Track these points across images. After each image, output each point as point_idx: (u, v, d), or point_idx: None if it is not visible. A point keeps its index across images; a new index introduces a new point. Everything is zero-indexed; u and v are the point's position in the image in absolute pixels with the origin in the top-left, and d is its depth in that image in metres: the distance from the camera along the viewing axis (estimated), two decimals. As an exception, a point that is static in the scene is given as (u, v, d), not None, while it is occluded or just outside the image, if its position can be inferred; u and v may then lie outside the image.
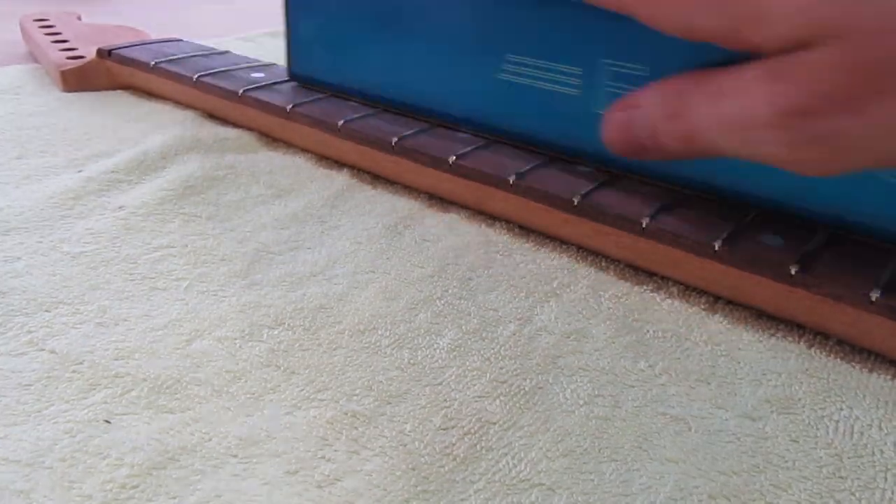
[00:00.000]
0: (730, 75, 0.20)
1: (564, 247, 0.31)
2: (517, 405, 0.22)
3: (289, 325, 0.25)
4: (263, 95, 0.40)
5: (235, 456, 0.19)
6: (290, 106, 0.38)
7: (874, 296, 0.23)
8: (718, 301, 0.27)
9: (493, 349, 0.24)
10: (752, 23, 0.19)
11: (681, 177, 0.30)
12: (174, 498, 0.18)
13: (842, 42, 0.18)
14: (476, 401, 0.22)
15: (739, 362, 0.24)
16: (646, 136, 0.22)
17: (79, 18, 0.60)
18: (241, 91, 0.40)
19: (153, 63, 0.45)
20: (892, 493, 0.19)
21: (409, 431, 0.21)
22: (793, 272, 0.24)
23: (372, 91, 0.39)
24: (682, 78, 0.22)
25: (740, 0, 0.19)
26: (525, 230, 0.32)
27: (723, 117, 0.20)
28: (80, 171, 0.35)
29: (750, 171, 0.27)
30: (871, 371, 0.24)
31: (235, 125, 0.42)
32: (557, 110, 0.32)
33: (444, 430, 0.21)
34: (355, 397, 0.22)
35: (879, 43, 0.17)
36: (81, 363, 0.22)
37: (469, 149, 0.33)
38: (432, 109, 0.37)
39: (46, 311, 0.25)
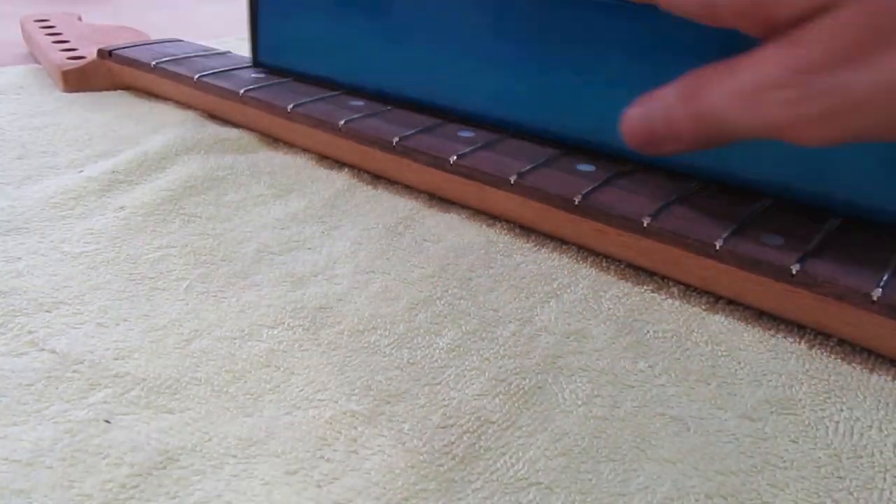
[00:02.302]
0: (748, 55, 0.21)
1: (565, 247, 0.31)
2: (516, 405, 0.22)
3: (288, 325, 0.25)
4: (264, 95, 0.40)
5: (235, 456, 0.19)
6: (291, 106, 0.38)
7: (876, 295, 0.23)
8: (719, 301, 0.27)
9: (492, 349, 0.24)
10: None
11: (693, 166, 0.30)
12: (174, 498, 0.18)
13: (854, 1, 0.19)
14: (475, 400, 0.22)
15: (740, 362, 0.24)
16: (661, 125, 0.23)
17: (79, 19, 0.60)
18: (241, 91, 0.40)
19: (154, 63, 0.45)
20: (891, 493, 0.19)
21: (408, 430, 0.21)
22: (794, 272, 0.24)
23: (339, 79, 0.42)
24: (702, 68, 0.22)
25: None
26: (526, 230, 0.32)
27: (734, 87, 0.21)
28: (80, 172, 0.35)
29: (763, 158, 0.27)
30: (871, 372, 0.24)
31: (236, 125, 0.42)
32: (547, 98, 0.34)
33: (442, 428, 0.21)
34: (354, 397, 0.22)
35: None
36: (82, 363, 0.22)
37: (470, 149, 0.33)
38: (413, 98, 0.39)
39: (47, 311, 0.25)
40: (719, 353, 0.24)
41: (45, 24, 0.57)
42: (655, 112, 0.23)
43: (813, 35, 0.19)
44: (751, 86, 0.21)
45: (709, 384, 0.23)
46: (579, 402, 0.22)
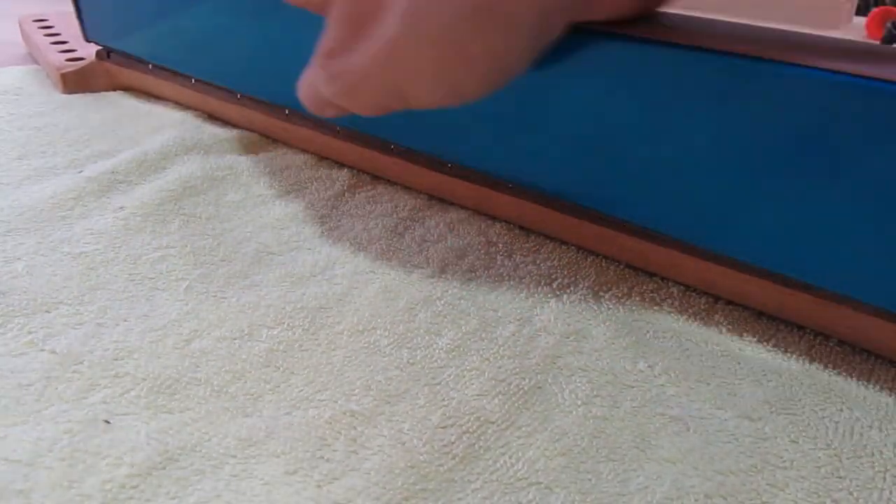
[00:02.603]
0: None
1: (565, 247, 0.31)
2: (516, 404, 0.22)
3: (288, 325, 0.25)
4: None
5: (235, 456, 0.19)
6: (289, 109, 0.38)
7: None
8: (719, 301, 0.27)
9: (492, 349, 0.24)
10: None
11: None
12: (174, 498, 0.18)
13: None
14: (475, 399, 0.22)
15: (739, 363, 0.24)
16: (314, 94, 0.25)
17: (79, 19, 0.60)
18: (240, 93, 0.40)
19: (152, 64, 0.45)
20: (891, 493, 0.19)
21: (408, 430, 0.21)
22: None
23: (159, 60, 0.44)
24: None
25: None
26: (525, 231, 0.32)
27: (315, 66, 0.25)
28: (80, 172, 0.35)
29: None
30: (871, 372, 0.24)
31: (235, 126, 0.42)
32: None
33: (442, 428, 0.21)
34: (354, 397, 0.22)
35: None
36: (81, 363, 0.22)
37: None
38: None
39: (46, 311, 0.25)
40: (719, 353, 0.24)
41: (43, 24, 0.57)
42: (307, 81, 0.26)
43: (328, 25, 0.23)
44: (313, 65, 0.24)
45: (709, 384, 0.23)
46: (579, 402, 0.22)
